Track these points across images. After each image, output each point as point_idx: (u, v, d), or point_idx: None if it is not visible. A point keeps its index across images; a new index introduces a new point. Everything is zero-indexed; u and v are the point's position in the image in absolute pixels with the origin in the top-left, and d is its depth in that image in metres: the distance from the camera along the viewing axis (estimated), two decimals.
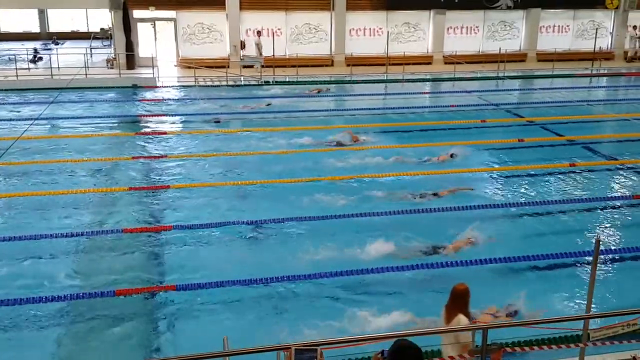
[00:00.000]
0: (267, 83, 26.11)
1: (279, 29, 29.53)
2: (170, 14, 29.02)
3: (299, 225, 11.83)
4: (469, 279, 7.40)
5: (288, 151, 16.57)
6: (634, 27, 32.87)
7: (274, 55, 27.49)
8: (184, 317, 8.97)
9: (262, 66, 27.00)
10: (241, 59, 27.79)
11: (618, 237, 11.52)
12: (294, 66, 28.53)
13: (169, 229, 11.69)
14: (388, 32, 29.93)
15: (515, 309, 8.62)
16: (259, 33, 29.18)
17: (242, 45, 29.04)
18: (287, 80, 26.85)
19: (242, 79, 26.52)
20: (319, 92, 24.80)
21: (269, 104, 22.31)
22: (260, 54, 28.58)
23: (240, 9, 29.00)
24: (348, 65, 29.13)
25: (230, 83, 26.00)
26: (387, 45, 28.59)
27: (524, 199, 13.42)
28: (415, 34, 31.39)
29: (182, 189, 13.82)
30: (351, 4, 29.91)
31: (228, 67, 27.26)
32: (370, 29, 30.78)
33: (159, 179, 14.83)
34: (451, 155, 15.80)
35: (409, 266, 10.11)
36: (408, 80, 26.72)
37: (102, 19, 37.78)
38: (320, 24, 30.16)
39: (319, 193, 13.29)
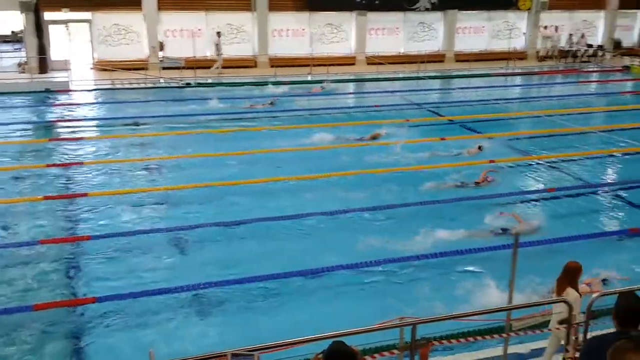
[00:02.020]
0: (188, 85, 25.64)
1: (199, 30, 29.07)
2: (85, 15, 28.04)
3: (223, 231, 11.67)
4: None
5: (215, 154, 16.30)
6: (545, 28, 34.27)
7: (194, 56, 27.03)
8: (107, 330, 8.61)
9: (182, 67, 26.49)
10: (160, 61, 27.17)
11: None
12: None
13: (87, 239, 11.24)
14: (311, 33, 30.00)
15: (604, 277, 9.35)
16: (218, 33, 28.74)
17: (161, 47, 28.41)
18: (209, 82, 26.43)
19: (161, 81, 25.91)
20: (323, 89, 25.19)
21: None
22: (219, 54, 28.23)
23: (158, 9, 28.36)
24: (272, 66, 29.01)
25: (150, 85, 25.38)
26: (311, 46, 28.64)
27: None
28: (338, 35, 31.61)
29: (100, 197, 13.32)
30: (273, 5, 29.79)
31: (147, 68, 26.59)
32: (293, 29, 30.77)
33: (76, 186, 14.25)
34: (479, 148, 16.64)
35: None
36: (333, 81, 26.85)
37: (13, 21, 36.04)
38: (242, 24, 29.90)
39: (233, 196, 13.32)
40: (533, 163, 16.29)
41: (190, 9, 29.04)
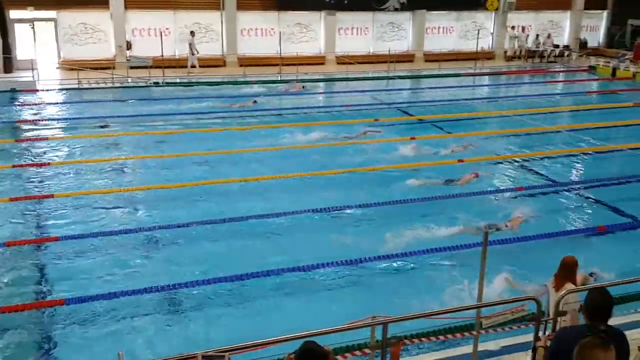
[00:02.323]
0: (156, 84, 25.39)
1: (167, 29, 28.79)
2: (51, 14, 27.57)
3: (193, 232, 11.58)
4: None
5: (185, 154, 16.17)
6: (513, 28, 34.72)
7: (162, 56, 26.78)
8: (76, 333, 8.46)
9: (150, 67, 26.22)
10: (128, 60, 26.85)
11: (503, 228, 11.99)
12: (184, 67, 27.93)
13: (55, 240, 11.06)
14: (280, 32, 29.94)
15: (591, 272, 9.47)
16: (192, 33, 28.49)
17: (128, 46, 28.07)
18: (178, 81, 26.20)
19: (129, 80, 25.60)
20: (303, 88, 25.47)
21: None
22: (193, 54, 28.03)
23: (125, 8, 28.03)
24: (241, 65, 28.87)
25: (117, 85, 25.07)
26: (280, 46, 28.60)
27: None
28: (308, 34, 31.61)
29: (68, 198, 13.11)
30: (242, 4, 29.66)
31: (114, 68, 26.26)
32: (262, 29, 30.67)
33: (43, 187, 14.01)
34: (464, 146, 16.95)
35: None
36: (303, 80, 26.83)
37: None
38: (210, 23, 29.69)
39: (204, 196, 13.31)
40: (502, 162, 16.48)
41: (157, 8, 28.77)
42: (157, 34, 27.71)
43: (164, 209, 12.72)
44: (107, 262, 10.46)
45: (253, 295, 9.47)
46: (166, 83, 25.59)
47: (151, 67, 26.27)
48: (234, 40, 29.93)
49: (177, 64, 28.21)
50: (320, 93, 26.35)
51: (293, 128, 18.82)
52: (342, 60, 30.33)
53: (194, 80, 26.31)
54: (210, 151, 16.49)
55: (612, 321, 4.85)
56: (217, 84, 26.06)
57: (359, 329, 6.16)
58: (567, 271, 7.16)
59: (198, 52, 28.24)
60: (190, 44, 28.26)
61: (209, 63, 28.98)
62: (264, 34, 30.70)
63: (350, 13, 31.61)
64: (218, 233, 11.55)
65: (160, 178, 14.53)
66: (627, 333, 7.50)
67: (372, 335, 6.11)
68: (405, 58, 32.47)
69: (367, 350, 6.24)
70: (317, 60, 31.30)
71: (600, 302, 4.65)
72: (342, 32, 32.08)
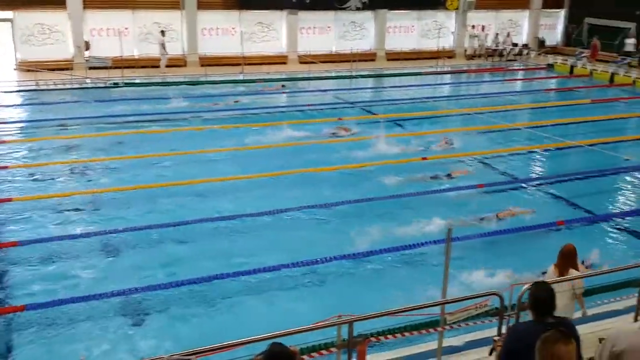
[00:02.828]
0: (115, 85, 25.01)
1: (126, 29, 28.32)
2: (6, 14, 26.89)
3: (155, 234, 11.46)
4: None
5: (147, 155, 15.97)
6: (473, 27, 35.16)
7: (121, 56, 26.38)
8: (37, 339, 8.32)
9: (109, 67, 25.81)
10: (86, 60, 26.37)
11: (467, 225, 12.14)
12: (144, 67, 27.57)
13: (14, 245, 10.82)
14: (242, 31, 29.78)
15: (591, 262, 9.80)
16: (162, 32, 28.13)
17: (87, 46, 27.56)
18: (137, 82, 25.84)
19: (88, 81, 25.15)
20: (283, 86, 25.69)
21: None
22: (164, 54, 27.74)
23: (83, 8, 27.49)
24: (202, 65, 28.64)
25: (76, 86, 24.61)
26: (242, 45, 28.45)
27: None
28: (269, 33, 31.48)
29: (27, 201, 12.84)
30: (202, 3, 29.38)
31: (72, 69, 25.75)
32: (223, 28, 30.42)
33: (1, 191, 13.66)
34: (446, 142, 17.47)
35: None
36: (265, 80, 26.74)
37: None
38: (170, 23, 29.31)
39: (166, 197, 13.19)
40: (464, 159, 16.67)
41: (116, 8, 28.27)
42: (116, 34, 27.26)
43: (126, 211, 12.57)
44: (69, 266, 10.29)
45: (218, 297, 9.42)
46: (125, 84, 25.21)
47: (110, 67, 25.87)
48: (195, 40, 29.64)
49: (137, 64, 27.80)
50: (283, 93, 26.26)
51: (258, 128, 18.78)
52: (305, 60, 30.31)
53: (154, 81, 25.97)
54: (174, 152, 16.34)
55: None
56: (178, 84, 25.80)
57: (326, 328, 6.17)
58: (568, 259, 7.46)
59: (167, 52, 27.98)
60: (161, 44, 28.00)
61: (169, 63, 28.59)
62: (225, 34, 30.47)
63: (312, 12, 31.60)
64: (182, 234, 11.46)
65: (121, 180, 14.32)
66: (587, 325, 7.80)
67: (338, 334, 6.12)
68: (368, 57, 32.61)
69: (333, 349, 6.24)
70: (280, 60, 31.21)
71: (545, 297, 4.78)
72: (304, 32, 32.05)
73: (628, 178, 15.75)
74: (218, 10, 30.03)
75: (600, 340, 7.60)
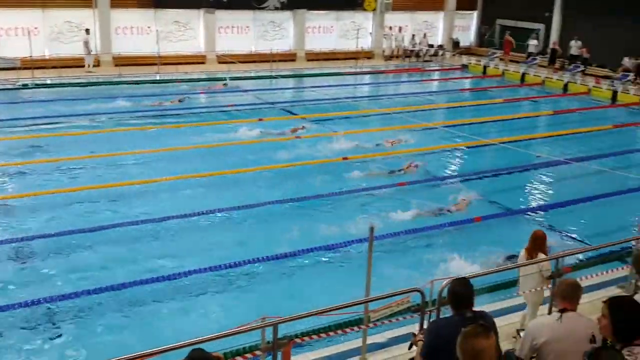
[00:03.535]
0: (25, 86, 23.91)
1: (35, 28, 27.09)
2: None
3: (69, 240, 11.01)
4: None
5: (60, 159, 15.34)
6: (390, 28, 35.75)
7: (31, 56, 25.24)
8: None
9: (18, 68, 24.64)
10: None
11: (388, 222, 12.28)
12: (55, 67, 26.47)
13: None
14: (157, 30, 29.10)
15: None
16: (87, 31, 27.15)
17: None
18: (48, 82, 24.78)
19: None
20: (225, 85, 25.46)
21: None
22: (89, 53, 26.89)
23: None
24: (117, 65, 27.79)
25: None
26: (158, 45, 27.83)
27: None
28: (187, 33, 30.90)
29: None
30: (116, 1, 28.51)
31: None
32: (138, 27, 29.62)
33: None
34: (399, 140, 18.01)
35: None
36: (182, 80, 26.23)
37: None
38: (82, 22, 28.25)
39: (79, 202, 12.79)
40: (386, 158, 16.85)
41: (25, 6, 27.01)
42: (25, 34, 26.03)
43: (38, 217, 12.04)
44: None
45: (136, 304, 9.13)
46: (35, 85, 24.15)
47: (19, 68, 24.72)
48: (108, 39, 28.71)
49: (47, 64, 26.66)
50: (202, 93, 25.83)
51: (179, 129, 18.46)
52: (224, 60, 29.95)
53: (65, 82, 24.98)
54: (88, 155, 15.80)
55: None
56: (91, 84, 24.95)
57: (251, 332, 6.06)
58: (537, 243, 7.79)
59: (92, 51, 27.03)
60: (86, 43, 27.08)
61: (81, 63, 27.58)
62: (140, 33, 29.68)
63: (230, 11, 31.26)
64: (102, 239, 11.08)
65: (32, 185, 13.69)
66: (503, 318, 8.04)
67: (262, 337, 6.03)
68: (288, 57, 32.58)
69: (258, 352, 6.15)
70: (198, 60, 30.69)
71: (463, 291, 4.88)
72: (222, 31, 31.67)
73: (540, 174, 16.38)
74: (132, 9, 29.24)
75: (518, 332, 7.88)
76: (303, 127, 19.33)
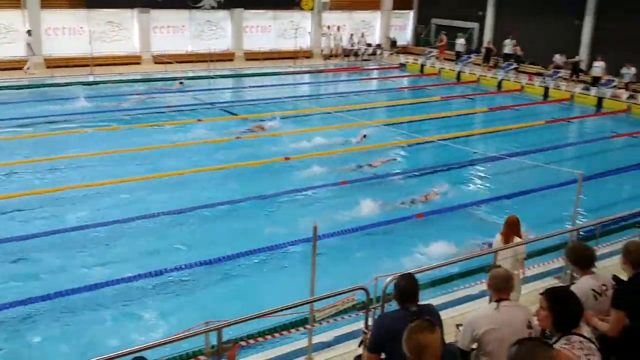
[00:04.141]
0: None
1: None
2: None
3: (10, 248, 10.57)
4: None
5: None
6: (328, 27, 35.90)
7: None
8: None
9: None
10: None
11: (333, 221, 12.29)
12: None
13: None
14: (90, 31, 28.32)
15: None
16: (29, 32, 26.36)
17: None
18: None
19: None
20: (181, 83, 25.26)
21: None
22: (33, 54, 26.13)
23: None
24: (48, 67, 26.92)
25: None
26: (91, 45, 27.11)
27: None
28: (120, 33, 30.23)
29: None
30: (46, 2, 27.62)
31: None
32: (70, 28, 28.79)
33: None
34: (364, 136, 18.28)
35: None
36: (119, 81, 25.63)
37: None
38: (11, 23, 27.29)
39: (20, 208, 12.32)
40: (324, 157, 16.84)
41: None
42: None
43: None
44: None
45: (75, 312, 8.83)
46: None
47: None
48: (39, 40, 27.74)
49: None
50: (138, 94, 25.27)
51: (117, 131, 18.02)
52: (160, 60, 29.42)
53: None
54: (31, 159, 15.26)
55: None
56: (22, 87, 24.09)
57: (195, 337, 5.94)
58: (512, 228, 8.06)
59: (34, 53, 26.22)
60: (28, 44, 26.21)
61: (10, 65, 26.59)
62: (72, 33, 28.82)
63: (165, 11, 30.76)
64: (36, 246, 10.65)
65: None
66: (446, 311, 8.15)
67: (206, 342, 5.91)
68: (226, 57, 32.29)
69: (202, 357, 6.03)
70: (133, 60, 30.07)
71: (409, 286, 4.93)
72: (157, 31, 31.12)
73: (477, 169, 16.72)
74: (64, 9, 28.45)
75: (457, 326, 7.99)
76: (262, 127, 19.36)
